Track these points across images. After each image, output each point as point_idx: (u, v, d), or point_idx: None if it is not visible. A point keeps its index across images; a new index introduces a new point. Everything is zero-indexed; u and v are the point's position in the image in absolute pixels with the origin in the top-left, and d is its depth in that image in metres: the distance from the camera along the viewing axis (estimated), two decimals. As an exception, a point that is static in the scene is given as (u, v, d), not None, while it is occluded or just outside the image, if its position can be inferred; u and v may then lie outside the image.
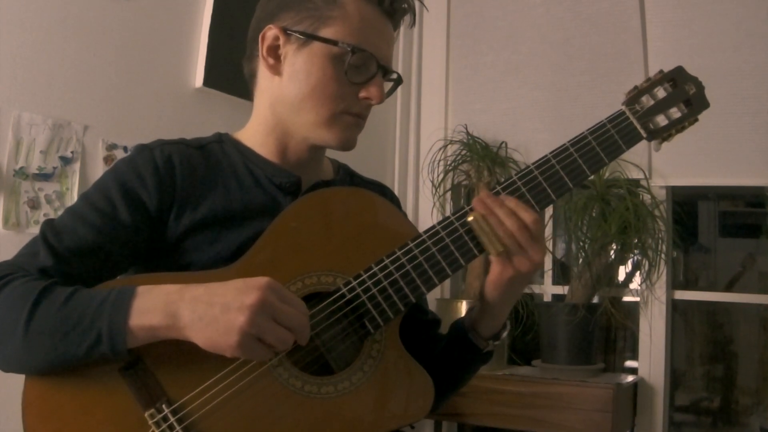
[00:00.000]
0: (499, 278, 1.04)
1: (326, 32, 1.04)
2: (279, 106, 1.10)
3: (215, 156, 1.11)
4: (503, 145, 2.80)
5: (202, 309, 0.87)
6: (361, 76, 1.06)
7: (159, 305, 0.88)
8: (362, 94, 1.06)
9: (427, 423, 2.78)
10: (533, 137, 2.82)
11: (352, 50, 1.03)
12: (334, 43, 1.04)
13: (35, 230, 1.78)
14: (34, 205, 1.83)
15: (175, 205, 1.04)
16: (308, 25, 1.05)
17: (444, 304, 2.65)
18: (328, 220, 1.04)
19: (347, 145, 1.10)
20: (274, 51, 1.08)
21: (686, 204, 2.93)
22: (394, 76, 1.13)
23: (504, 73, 2.93)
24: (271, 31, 1.08)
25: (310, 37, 1.05)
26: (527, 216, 1.00)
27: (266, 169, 1.11)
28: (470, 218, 1.01)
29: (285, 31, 1.07)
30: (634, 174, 2.54)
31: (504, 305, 1.09)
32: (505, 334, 1.13)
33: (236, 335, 0.86)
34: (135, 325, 0.88)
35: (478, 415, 2.45)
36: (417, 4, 1.13)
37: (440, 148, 2.88)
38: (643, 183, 2.54)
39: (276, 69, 1.09)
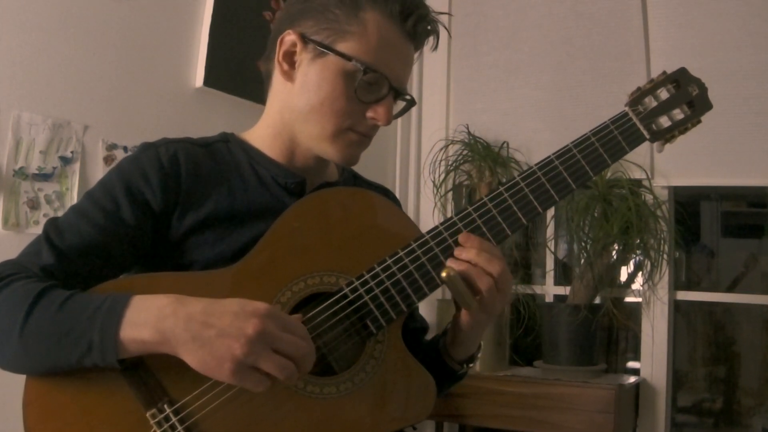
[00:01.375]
0: (469, 324, 1.06)
1: (342, 46, 1.03)
2: (287, 113, 1.09)
3: (221, 155, 1.10)
4: (505, 145, 2.79)
5: (196, 329, 0.85)
6: (371, 95, 1.04)
7: (151, 320, 0.86)
8: (369, 113, 1.05)
9: (428, 424, 2.77)
10: (535, 137, 2.82)
11: (364, 69, 1.02)
12: (348, 58, 1.02)
13: (35, 230, 1.80)
14: (34, 205, 1.82)
15: (179, 204, 1.03)
16: (326, 37, 1.04)
17: (444, 305, 2.64)
18: (330, 220, 1.03)
19: (349, 161, 1.10)
20: (289, 57, 1.07)
21: (688, 204, 2.92)
22: (408, 97, 1.11)
23: (505, 73, 2.92)
24: (289, 37, 1.06)
25: (326, 49, 1.03)
26: (496, 269, 0.99)
27: (271, 169, 1.10)
28: (444, 274, 0.98)
29: (303, 38, 1.05)
30: (637, 174, 2.53)
31: (476, 338, 1.10)
32: (479, 355, 1.14)
33: (230, 363, 0.84)
34: (126, 337, 0.86)
35: (479, 416, 2.44)
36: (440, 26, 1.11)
37: (441, 148, 2.87)
38: (645, 183, 2.54)
39: (289, 75, 1.08)
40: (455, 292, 0.99)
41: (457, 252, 1.00)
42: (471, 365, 1.14)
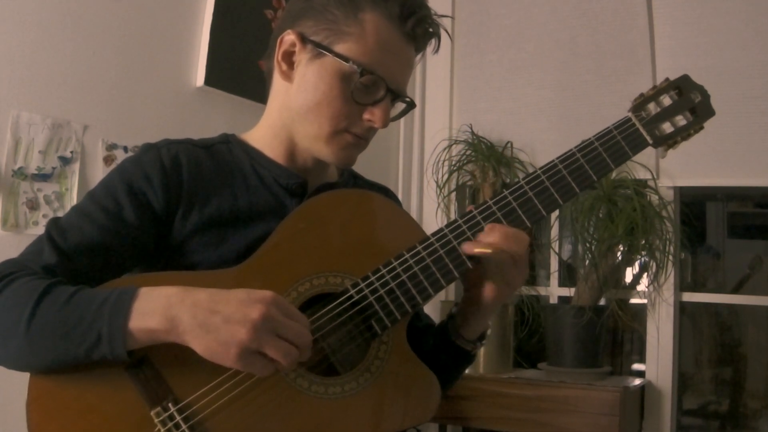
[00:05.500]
0: (492, 297, 1.06)
1: (340, 48, 1.03)
2: (286, 113, 1.10)
3: (222, 156, 1.10)
4: (508, 144, 2.78)
5: (202, 316, 0.87)
6: (368, 97, 1.04)
7: (159, 308, 0.88)
8: (366, 115, 1.05)
9: (431, 426, 2.76)
10: (539, 137, 2.80)
11: (361, 71, 1.02)
12: (345, 59, 1.02)
13: (34, 231, 1.79)
14: (33, 205, 1.81)
15: (181, 204, 1.03)
16: (324, 37, 1.04)
17: (447, 307, 2.61)
18: (336, 221, 1.03)
19: (345, 163, 1.10)
20: (288, 57, 1.07)
21: (694, 205, 2.90)
22: (407, 100, 1.11)
23: (509, 72, 2.91)
24: (288, 37, 1.06)
25: (324, 50, 1.03)
26: (525, 237, 1.02)
27: (273, 170, 1.11)
28: (478, 250, 1.00)
29: (302, 38, 1.05)
30: (642, 174, 2.51)
31: (492, 311, 1.11)
32: (489, 332, 1.15)
33: (236, 348, 0.86)
34: (135, 327, 0.87)
35: (483, 419, 2.43)
36: (440, 26, 1.10)
37: (445, 148, 2.86)
38: (651, 183, 2.52)
39: (288, 75, 1.08)
40: (488, 266, 1.01)
41: (481, 236, 1.02)
42: (484, 342, 1.14)
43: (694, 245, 2.93)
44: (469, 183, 2.86)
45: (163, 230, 1.03)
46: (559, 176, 1.04)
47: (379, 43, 1.03)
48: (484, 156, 2.71)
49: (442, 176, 2.81)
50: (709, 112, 1.10)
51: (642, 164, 2.47)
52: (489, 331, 1.15)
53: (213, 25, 2.24)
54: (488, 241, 1.00)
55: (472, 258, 1.01)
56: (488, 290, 1.05)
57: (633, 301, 2.72)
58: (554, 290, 2.87)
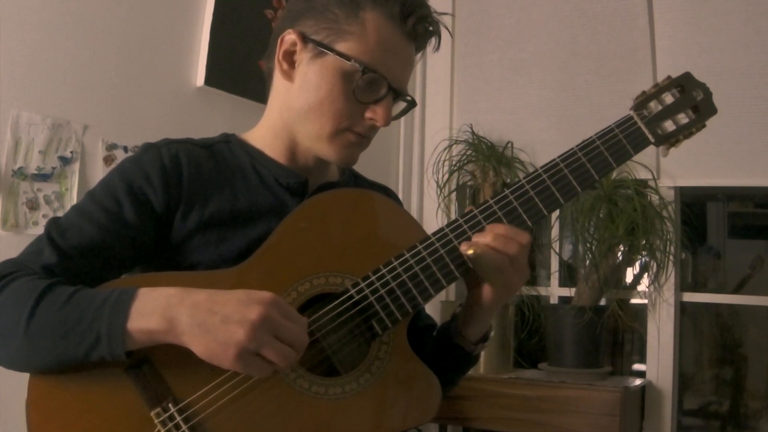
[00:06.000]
0: (490, 298, 1.05)
1: (342, 46, 1.03)
2: (287, 113, 1.10)
3: (222, 156, 1.10)
4: (509, 144, 2.77)
5: (201, 316, 0.86)
6: (370, 96, 1.04)
7: (158, 309, 0.87)
8: (368, 114, 1.05)
9: (431, 426, 2.76)
10: (539, 137, 2.80)
11: (363, 69, 1.02)
12: (347, 58, 1.02)
13: (34, 231, 1.78)
14: (33, 205, 1.81)
15: (181, 204, 1.03)
16: (325, 36, 1.04)
17: (448, 307, 2.62)
18: (336, 221, 1.04)
19: (347, 162, 1.10)
20: (289, 56, 1.08)
21: (695, 205, 2.90)
22: (408, 98, 1.11)
23: (510, 72, 2.90)
24: (289, 36, 1.07)
25: (325, 49, 1.04)
26: (524, 238, 1.00)
27: (273, 169, 1.11)
28: (470, 252, 0.99)
29: (303, 37, 1.06)
30: (642, 174, 2.51)
31: (492, 313, 1.10)
32: (492, 333, 1.14)
33: (234, 349, 0.85)
34: (134, 328, 0.87)
35: (483, 419, 2.43)
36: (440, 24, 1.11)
37: (445, 148, 2.85)
38: (651, 183, 2.51)
39: (289, 75, 1.08)
40: (483, 269, 1.00)
41: (476, 236, 1.01)
42: (486, 344, 1.14)
43: (695, 245, 2.93)
44: (469, 183, 2.85)
45: (163, 230, 1.03)
46: (561, 175, 1.04)
47: (380, 41, 1.03)
48: (485, 156, 2.71)
49: (443, 176, 2.80)
50: (712, 110, 1.10)
51: (642, 164, 2.46)
52: (492, 333, 1.14)
53: (213, 25, 2.24)
54: (483, 241, 0.99)
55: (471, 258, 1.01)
56: (487, 291, 1.05)
57: (633, 301, 2.72)
58: (555, 290, 2.86)
